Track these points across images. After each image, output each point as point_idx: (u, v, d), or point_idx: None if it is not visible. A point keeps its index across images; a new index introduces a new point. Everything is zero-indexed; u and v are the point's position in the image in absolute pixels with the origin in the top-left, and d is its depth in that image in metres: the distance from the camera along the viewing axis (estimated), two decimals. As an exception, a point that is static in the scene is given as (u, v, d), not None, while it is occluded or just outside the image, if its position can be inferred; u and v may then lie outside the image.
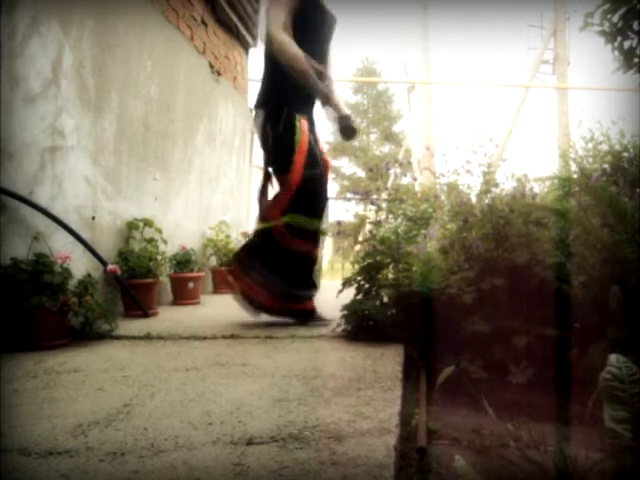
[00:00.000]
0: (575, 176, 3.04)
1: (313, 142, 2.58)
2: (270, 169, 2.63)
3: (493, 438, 1.47)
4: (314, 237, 2.57)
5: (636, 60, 2.83)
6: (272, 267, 2.54)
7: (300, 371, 1.72)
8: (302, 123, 2.52)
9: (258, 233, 2.66)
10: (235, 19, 4.94)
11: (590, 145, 3.73)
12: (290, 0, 2.50)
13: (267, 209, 2.59)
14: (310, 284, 2.64)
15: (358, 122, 2.94)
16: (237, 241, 4.39)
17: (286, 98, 2.54)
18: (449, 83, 16.28)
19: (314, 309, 2.63)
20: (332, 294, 2.50)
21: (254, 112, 2.67)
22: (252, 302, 2.59)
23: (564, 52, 14.05)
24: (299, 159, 2.46)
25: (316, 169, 2.52)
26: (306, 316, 2.59)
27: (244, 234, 4.48)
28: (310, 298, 2.63)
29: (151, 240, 3.23)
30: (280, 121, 2.49)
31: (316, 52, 2.57)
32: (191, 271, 3.61)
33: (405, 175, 2.99)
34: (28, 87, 2.35)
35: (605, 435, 1.13)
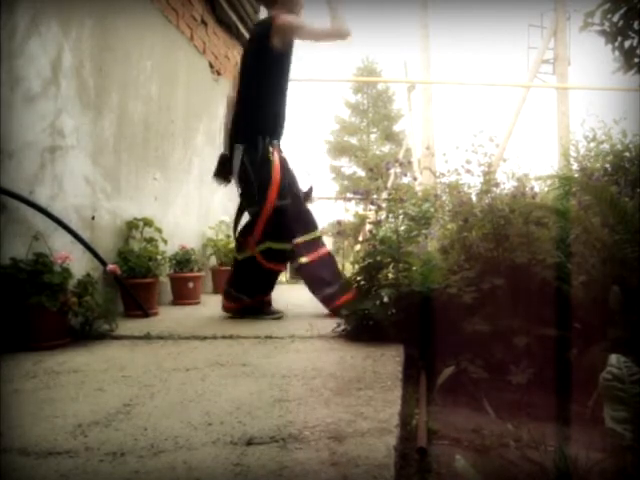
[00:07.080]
0: (575, 175, 3.04)
1: (284, 172, 2.80)
2: (244, 200, 2.91)
3: (493, 438, 1.47)
4: (285, 256, 2.93)
5: (636, 60, 2.82)
6: (248, 286, 2.89)
7: (300, 371, 1.72)
8: (275, 157, 2.76)
9: (239, 262, 2.97)
10: (235, 19, 4.93)
11: (592, 145, 3.73)
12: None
13: (244, 240, 2.91)
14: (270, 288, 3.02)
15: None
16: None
17: (259, 129, 2.78)
18: (449, 83, 16.21)
19: (266, 302, 2.96)
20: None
21: (234, 147, 2.82)
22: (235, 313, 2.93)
23: (564, 52, 14.02)
24: (272, 193, 2.72)
25: (284, 200, 2.76)
26: (260, 310, 2.88)
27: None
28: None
29: (151, 240, 3.23)
30: (257, 156, 2.74)
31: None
32: (191, 271, 3.61)
33: (405, 175, 2.98)
34: (28, 87, 2.35)
35: (605, 435, 1.13)
